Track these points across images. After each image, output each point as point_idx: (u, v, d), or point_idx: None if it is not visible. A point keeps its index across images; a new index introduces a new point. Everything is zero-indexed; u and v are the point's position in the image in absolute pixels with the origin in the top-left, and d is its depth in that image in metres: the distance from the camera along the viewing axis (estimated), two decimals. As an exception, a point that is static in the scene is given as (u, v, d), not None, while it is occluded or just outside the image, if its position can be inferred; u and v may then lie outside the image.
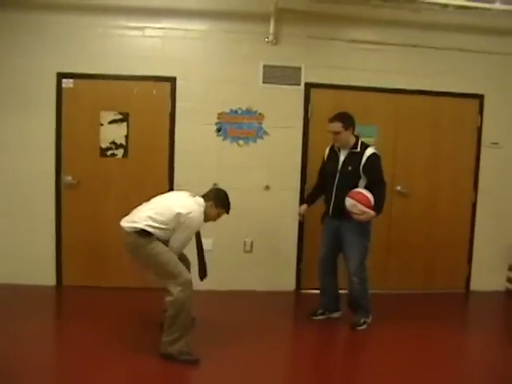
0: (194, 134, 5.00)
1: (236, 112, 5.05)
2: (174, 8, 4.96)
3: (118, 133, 5.00)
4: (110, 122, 4.99)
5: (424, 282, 5.38)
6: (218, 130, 5.04)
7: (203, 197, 3.76)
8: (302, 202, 5.15)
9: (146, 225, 3.53)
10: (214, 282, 5.02)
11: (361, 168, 4.12)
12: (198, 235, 3.93)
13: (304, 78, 5.09)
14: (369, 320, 4.33)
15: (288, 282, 5.24)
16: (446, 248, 5.39)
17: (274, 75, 5.06)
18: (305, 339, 4.14)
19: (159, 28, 4.98)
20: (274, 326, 4.28)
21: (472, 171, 5.40)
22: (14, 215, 4.96)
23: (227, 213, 3.87)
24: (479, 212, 5.44)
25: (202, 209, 3.67)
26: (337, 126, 4.16)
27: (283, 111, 5.09)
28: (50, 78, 4.90)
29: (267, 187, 5.09)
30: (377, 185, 4.14)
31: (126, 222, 3.65)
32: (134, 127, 5.01)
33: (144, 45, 4.97)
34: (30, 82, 4.88)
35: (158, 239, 3.56)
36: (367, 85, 5.14)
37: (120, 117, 4.99)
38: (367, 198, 4.02)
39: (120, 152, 5.03)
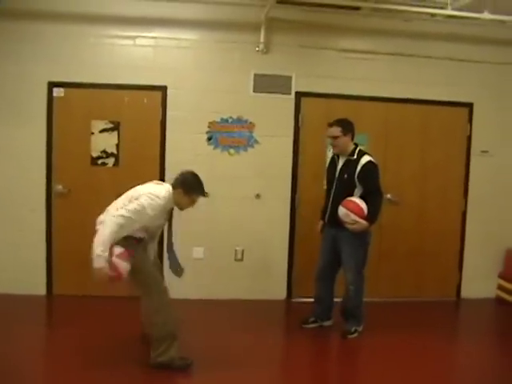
0: (185, 142, 5.01)
1: (227, 121, 5.06)
2: (166, 17, 4.98)
3: (108, 142, 5.01)
4: (101, 131, 5.00)
5: (415, 290, 5.39)
6: (209, 139, 5.06)
7: (172, 185, 3.56)
8: (292, 210, 5.19)
9: None
10: (205, 290, 5.05)
11: (355, 176, 4.09)
12: (169, 226, 3.72)
13: (295, 87, 5.12)
14: (360, 329, 4.33)
15: (279, 291, 5.24)
16: (436, 256, 5.41)
17: (265, 84, 5.09)
18: (296, 348, 4.13)
19: (150, 37, 5.00)
20: (264, 335, 4.28)
21: (462, 180, 5.43)
22: (4, 224, 4.95)
23: (203, 196, 3.62)
24: (469, 220, 5.46)
25: (167, 194, 3.47)
26: (336, 130, 4.16)
27: (274, 120, 5.11)
28: (41, 87, 4.91)
29: (258, 196, 5.10)
30: (372, 194, 4.09)
31: (98, 224, 3.54)
32: (125, 136, 5.01)
33: (135, 54, 4.99)
34: (20, 91, 4.88)
35: (131, 237, 3.44)
36: (357, 93, 5.18)
37: (111, 126, 5.00)
38: (360, 207, 3.98)
39: (111, 161, 5.03)
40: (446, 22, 5.14)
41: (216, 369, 3.60)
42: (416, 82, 5.25)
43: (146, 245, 3.68)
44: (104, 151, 5.01)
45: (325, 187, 4.44)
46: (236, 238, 5.13)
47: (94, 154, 5.00)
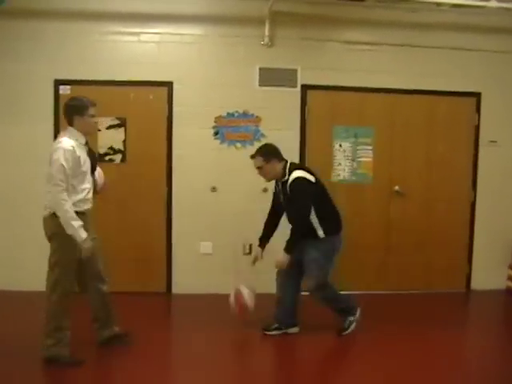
0: (192, 137, 5.02)
1: (233, 115, 5.06)
2: (169, 13, 4.99)
3: (115, 138, 5.03)
4: (108, 128, 5.02)
5: (424, 282, 5.36)
6: (216, 134, 5.06)
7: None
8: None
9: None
10: (215, 285, 5.04)
11: (288, 197, 3.92)
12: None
13: (300, 80, 5.11)
14: (354, 318, 4.10)
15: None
16: (445, 247, 5.38)
17: (270, 78, 5.08)
18: (303, 340, 4.12)
19: (155, 33, 5.01)
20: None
21: (470, 170, 5.39)
22: (12, 222, 4.97)
23: (94, 106, 3.55)
24: (478, 211, 5.43)
25: (69, 134, 3.42)
26: (258, 161, 3.96)
27: (280, 113, 5.10)
28: (48, 85, 4.93)
29: (265, 189, 5.07)
30: (294, 211, 3.89)
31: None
32: (132, 132, 5.03)
33: (140, 50, 5.00)
34: (27, 89, 4.91)
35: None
36: (363, 85, 5.15)
37: (117, 122, 5.02)
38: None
39: (118, 157, 5.05)
40: (451, 12, 5.09)
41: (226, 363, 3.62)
42: (422, 72, 5.21)
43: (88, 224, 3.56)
44: (111, 148, 5.03)
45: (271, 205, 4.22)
46: (244, 232, 5.13)
47: (102, 151, 5.02)
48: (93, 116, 3.54)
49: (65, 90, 4.98)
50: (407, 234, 5.29)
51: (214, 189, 5.06)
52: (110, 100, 5.00)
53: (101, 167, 5.11)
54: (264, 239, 4.19)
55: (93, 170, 3.66)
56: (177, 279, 5.12)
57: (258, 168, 4.00)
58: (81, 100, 3.55)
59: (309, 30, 5.08)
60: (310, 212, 3.84)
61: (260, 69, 5.06)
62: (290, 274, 4.00)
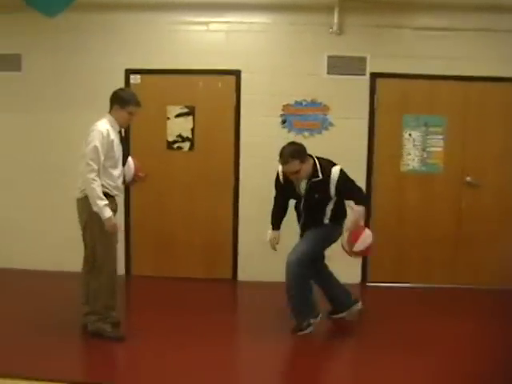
0: (259, 126, 5.02)
1: (301, 104, 5.03)
2: (238, 2, 5.00)
3: (184, 126, 5.10)
4: (177, 116, 5.10)
5: (496, 278, 5.08)
6: (283, 122, 5.05)
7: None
8: (367, 192, 5.04)
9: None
10: (281, 273, 5.02)
11: (331, 194, 3.78)
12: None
13: (369, 68, 5.01)
14: (312, 321, 3.86)
15: (354, 274, 5.10)
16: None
17: (339, 66, 5.01)
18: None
19: (223, 22, 5.04)
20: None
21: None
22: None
23: (137, 106, 3.65)
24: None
25: (106, 119, 3.58)
26: (294, 165, 3.66)
27: (348, 102, 5.02)
28: (119, 75, 5.06)
29: (333, 179, 5.04)
30: (354, 195, 3.81)
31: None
32: (200, 120, 5.09)
33: (209, 39, 5.05)
34: (99, 79, 5.02)
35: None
36: (435, 73, 4.98)
37: (186, 110, 5.09)
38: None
39: (186, 145, 5.12)
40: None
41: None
42: (497, 58, 4.96)
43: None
44: (179, 135, 5.11)
45: (302, 195, 3.90)
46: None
47: (170, 139, 5.11)
48: (131, 113, 3.65)
49: (135, 79, 5.10)
50: (479, 226, 5.08)
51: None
52: (179, 89, 5.10)
53: (169, 155, 5.20)
54: (279, 221, 4.12)
55: (124, 160, 3.76)
56: (243, 266, 5.16)
57: (296, 172, 3.71)
58: (129, 94, 3.69)
59: (378, 16, 4.96)
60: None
61: (328, 57, 5.00)
62: (318, 268, 4.01)
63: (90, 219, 3.52)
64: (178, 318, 4.14)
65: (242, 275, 5.16)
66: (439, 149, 5.07)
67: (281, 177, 3.92)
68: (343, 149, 5.00)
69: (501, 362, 3.50)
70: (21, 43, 5.13)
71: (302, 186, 3.83)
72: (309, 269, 3.80)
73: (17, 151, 5.25)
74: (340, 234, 3.91)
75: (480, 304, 4.69)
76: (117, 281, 3.71)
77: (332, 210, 3.89)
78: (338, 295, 4.12)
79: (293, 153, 3.66)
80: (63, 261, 5.07)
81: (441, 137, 5.07)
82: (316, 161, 3.80)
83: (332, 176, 3.73)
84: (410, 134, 5.07)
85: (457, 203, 5.08)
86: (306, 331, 3.82)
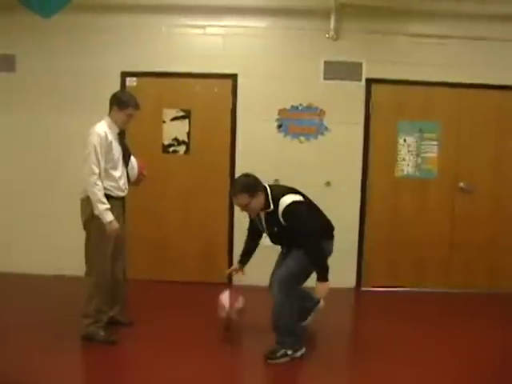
0: (255, 130, 5.04)
1: (297, 108, 5.05)
2: (235, 6, 5.02)
3: (180, 130, 5.09)
4: (173, 119, 5.09)
5: (489, 282, 5.18)
6: (279, 127, 5.06)
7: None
8: (363, 197, 5.12)
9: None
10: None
11: (283, 226, 3.42)
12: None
13: (365, 74, 5.05)
14: (291, 353, 3.51)
15: (348, 279, 5.17)
16: (512, 247, 5.21)
17: (335, 71, 5.04)
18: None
19: (220, 26, 5.05)
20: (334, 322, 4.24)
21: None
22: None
23: (136, 108, 3.67)
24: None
25: (104, 121, 3.60)
26: (242, 199, 3.40)
27: (344, 107, 5.06)
28: (115, 77, 5.05)
29: (328, 183, 5.06)
30: (303, 240, 3.38)
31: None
32: (196, 124, 5.09)
33: (205, 43, 5.06)
34: (95, 81, 5.02)
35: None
36: (429, 79, 5.04)
37: (182, 114, 5.08)
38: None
39: (182, 149, 5.11)
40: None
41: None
42: (491, 66, 5.04)
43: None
44: (175, 139, 5.10)
45: (264, 228, 3.62)
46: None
47: (166, 142, 5.10)
48: (130, 116, 3.69)
49: (131, 81, 5.08)
50: (472, 232, 5.15)
51: (276, 181, 5.05)
52: (175, 92, 5.09)
53: (164, 158, 5.21)
54: (245, 256, 3.95)
55: (125, 160, 3.77)
56: (238, 270, 5.14)
57: (244, 206, 3.44)
58: (128, 96, 3.71)
59: (375, 23, 5.02)
60: (318, 231, 3.42)
61: (325, 62, 5.04)
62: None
63: (88, 220, 3.54)
64: (173, 321, 4.15)
65: (237, 279, 5.14)
66: (433, 154, 5.13)
67: None
68: (338, 154, 5.08)
69: (498, 365, 3.54)
70: (15, 44, 5.09)
71: (262, 218, 3.56)
72: (295, 289, 3.54)
73: (11, 152, 5.20)
74: (330, 250, 3.59)
75: (475, 308, 4.73)
76: (115, 286, 3.72)
77: None
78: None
79: (242, 187, 3.42)
80: (63, 265, 5.04)
81: (435, 143, 5.12)
82: (268, 190, 3.49)
83: (279, 207, 3.39)
84: (404, 140, 5.12)
85: (450, 208, 5.14)
86: (279, 361, 3.48)
